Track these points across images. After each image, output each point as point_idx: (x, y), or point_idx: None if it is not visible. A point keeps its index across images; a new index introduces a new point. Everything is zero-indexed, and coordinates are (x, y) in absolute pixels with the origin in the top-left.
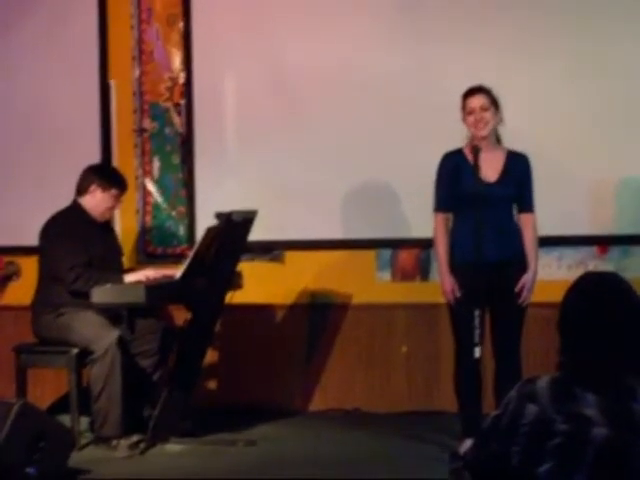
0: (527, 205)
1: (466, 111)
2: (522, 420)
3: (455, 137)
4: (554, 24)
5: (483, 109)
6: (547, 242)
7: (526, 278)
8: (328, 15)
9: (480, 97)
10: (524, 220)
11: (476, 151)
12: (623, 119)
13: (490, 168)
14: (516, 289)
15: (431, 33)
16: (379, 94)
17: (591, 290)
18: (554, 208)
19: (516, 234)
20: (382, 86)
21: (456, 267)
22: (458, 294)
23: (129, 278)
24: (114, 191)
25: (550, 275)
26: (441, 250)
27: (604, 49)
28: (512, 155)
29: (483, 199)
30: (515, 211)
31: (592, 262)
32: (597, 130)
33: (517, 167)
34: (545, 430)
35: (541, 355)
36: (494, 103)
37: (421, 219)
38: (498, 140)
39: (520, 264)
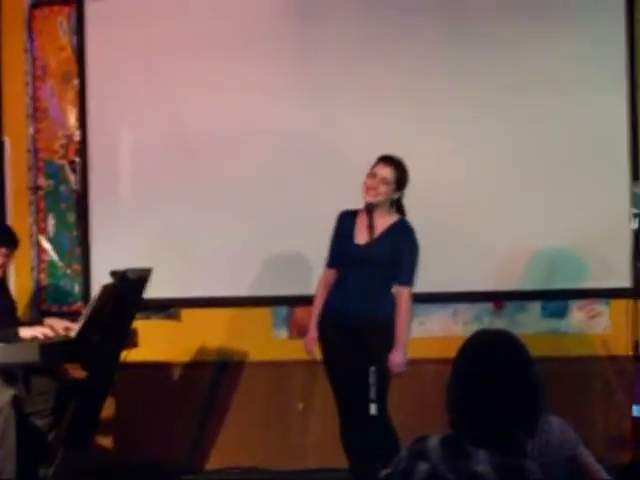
0: (401, 277)
1: (369, 171)
2: (413, 478)
3: (354, 196)
4: (465, 89)
5: (383, 181)
6: (442, 297)
7: (392, 357)
8: (225, 70)
9: (387, 169)
10: (397, 292)
11: (370, 208)
12: (526, 186)
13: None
14: (390, 368)
15: (333, 85)
16: (278, 150)
17: (482, 348)
18: (449, 264)
19: (383, 297)
20: (281, 141)
21: (323, 323)
22: (311, 351)
23: (24, 333)
24: (3, 250)
25: (446, 331)
26: (315, 303)
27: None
28: (398, 225)
29: (355, 261)
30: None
31: (487, 318)
32: (497, 195)
33: (396, 237)
34: None
35: (438, 411)
36: (399, 181)
37: (317, 276)
38: (400, 209)
39: (382, 327)
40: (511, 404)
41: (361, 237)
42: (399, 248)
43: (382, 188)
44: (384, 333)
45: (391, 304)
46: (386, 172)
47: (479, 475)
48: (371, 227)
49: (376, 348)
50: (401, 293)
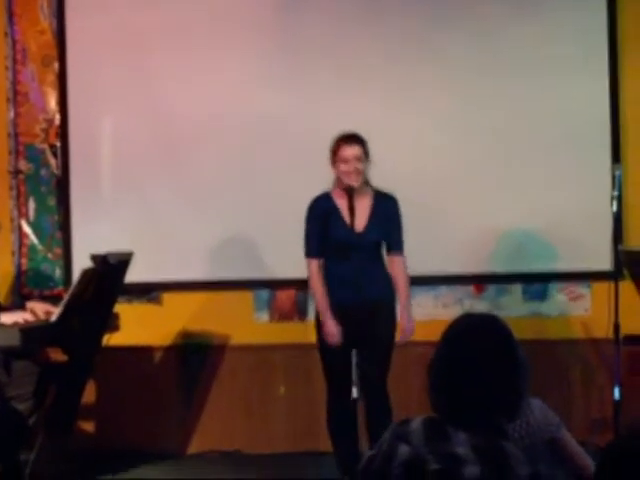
0: (395, 246)
1: (339, 158)
2: (394, 461)
3: (332, 180)
4: (446, 72)
5: (358, 159)
6: (423, 281)
7: (403, 324)
8: (207, 56)
9: (356, 147)
10: (393, 262)
11: (350, 191)
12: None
13: (359, 215)
14: (399, 339)
15: (313, 74)
16: (257, 136)
17: (467, 331)
18: (430, 247)
19: (384, 276)
20: (260, 128)
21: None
22: (337, 344)
23: (5, 318)
24: None
25: (426, 314)
26: (320, 296)
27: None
28: (380, 198)
29: (352, 247)
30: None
31: (468, 301)
32: (480, 179)
33: (384, 210)
34: (417, 470)
35: (422, 395)
36: (366, 153)
37: (298, 260)
38: (367, 183)
39: (388, 305)
40: (495, 387)
41: (353, 221)
42: (390, 221)
43: (360, 167)
44: (390, 313)
45: (391, 283)
46: (356, 150)
47: (459, 457)
48: (351, 209)
49: (385, 329)
50: (399, 261)
